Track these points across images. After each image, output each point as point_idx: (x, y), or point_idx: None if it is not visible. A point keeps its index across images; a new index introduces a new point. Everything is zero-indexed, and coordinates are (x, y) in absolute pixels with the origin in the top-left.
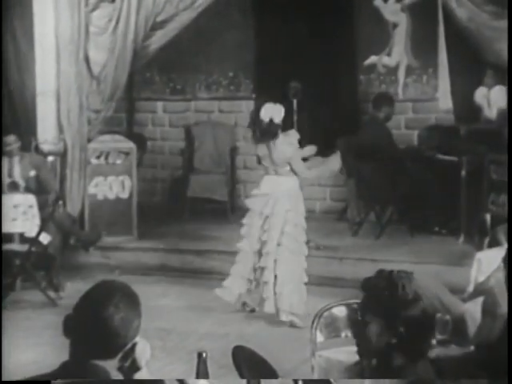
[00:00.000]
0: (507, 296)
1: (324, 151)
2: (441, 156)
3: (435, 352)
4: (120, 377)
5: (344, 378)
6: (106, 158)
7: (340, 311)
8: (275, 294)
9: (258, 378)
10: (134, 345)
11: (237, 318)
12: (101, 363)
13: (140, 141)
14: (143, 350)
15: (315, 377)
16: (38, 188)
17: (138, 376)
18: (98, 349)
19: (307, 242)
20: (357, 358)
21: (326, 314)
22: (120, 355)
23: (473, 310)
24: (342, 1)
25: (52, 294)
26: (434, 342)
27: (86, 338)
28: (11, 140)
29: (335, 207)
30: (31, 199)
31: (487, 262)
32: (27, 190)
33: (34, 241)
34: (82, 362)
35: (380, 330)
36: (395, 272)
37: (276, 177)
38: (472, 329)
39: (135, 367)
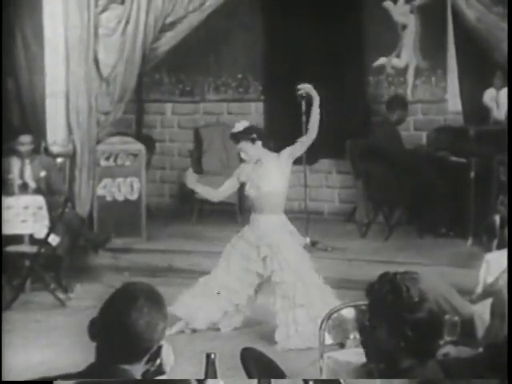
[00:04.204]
0: (508, 296)
1: (333, 153)
2: (450, 157)
3: (444, 353)
4: None
5: (353, 379)
6: (115, 160)
7: (348, 313)
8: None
9: (267, 378)
10: (160, 347)
11: None
12: (127, 367)
13: (149, 142)
14: (168, 353)
15: (324, 378)
16: (47, 189)
17: None
18: (123, 352)
19: (315, 244)
20: (365, 359)
21: (334, 315)
22: (146, 358)
23: (481, 312)
24: (350, 2)
25: (61, 295)
26: (442, 343)
27: (111, 342)
28: (26, 140)
29: (344, 209)
30: (41, 201)
31: (496, 264)
32: (37, 191)
33: (43, 242)
34: (108, 366)
35: (387, 334)
36: (399, 274)
37: None
38: (481, 330)
39: (160, 371)
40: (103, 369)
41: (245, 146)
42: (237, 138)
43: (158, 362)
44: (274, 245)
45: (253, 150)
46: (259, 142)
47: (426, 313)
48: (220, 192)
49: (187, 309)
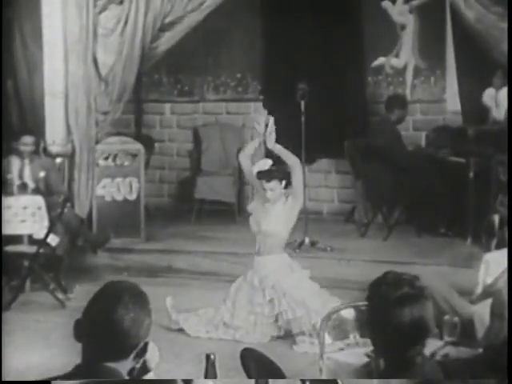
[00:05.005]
0: (508, 296)
1: (332, 153)
2: (449, 157)
3: (444, 354)
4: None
5: (351, 379)
6: (114, 160)
7: (348, 313)
8: None
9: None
10: (146, 344)
11: None
12: (113, 365)
13: (148, 142)
14: (154, 350)
15: (323, 378)
16: (46, 189)
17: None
18: (110, 350)
19: (314, 244)
20: (365, 359)
21: (334, 316)
22: (132, 355)
23: (481, 312)
24: (349, 2)
25: (60, 295)
26: (441, 343)
27: (97, 341)
28: (28, 141)
29: (343, 209)
30: (40, 201)
31: (495, 264)
32: (36, 191)
33: (43, 242)
34: (94, 365)
35: (378, 332)
36: (390, 275)
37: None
38: (480, 331)
39: (146, 369)
40: (90, 368)
41: (275, 185)
42: (270, 176)
43: (144, 359)
44: (278, 286)
45: (279, 189)
46: (284, 182)
47: (397, 320)
48: (245, 159)
49: (193, 327)
